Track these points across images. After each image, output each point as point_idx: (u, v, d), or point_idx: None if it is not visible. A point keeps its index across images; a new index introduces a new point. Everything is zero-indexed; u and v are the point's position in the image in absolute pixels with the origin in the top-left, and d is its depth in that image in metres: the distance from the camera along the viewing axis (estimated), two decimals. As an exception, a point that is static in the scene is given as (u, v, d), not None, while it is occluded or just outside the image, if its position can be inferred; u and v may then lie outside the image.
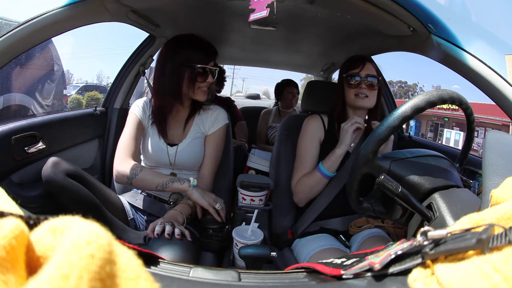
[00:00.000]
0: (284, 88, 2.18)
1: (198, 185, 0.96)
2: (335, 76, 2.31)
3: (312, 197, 1.04)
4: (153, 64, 1.50)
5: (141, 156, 1.08)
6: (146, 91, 2.84)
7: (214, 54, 1.03)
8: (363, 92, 1.01)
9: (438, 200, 0.56)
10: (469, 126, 0.70)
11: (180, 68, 0.97)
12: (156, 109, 1.03)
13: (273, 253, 0.77)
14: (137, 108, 1.05)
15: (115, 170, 1.00)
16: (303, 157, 1.08)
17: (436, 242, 0.25)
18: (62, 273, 0.14)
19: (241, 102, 2.97)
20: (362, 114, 1.06)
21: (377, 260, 0.29)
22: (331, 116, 1.11)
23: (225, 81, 2.28)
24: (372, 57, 1.14)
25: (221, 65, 2.27)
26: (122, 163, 0.98)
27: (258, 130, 2.20)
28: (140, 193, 1.07)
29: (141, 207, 1.05)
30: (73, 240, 0.15)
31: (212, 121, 1.06)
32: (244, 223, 1.04)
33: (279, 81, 2.26)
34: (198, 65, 0.97)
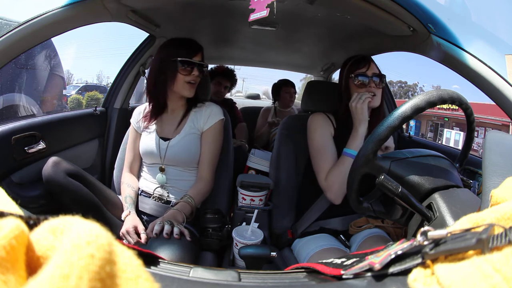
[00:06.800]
0: (281, 88, 2.20)
1: (133, 214, 0.98)
2: (335, 76, 2.30)
3: None
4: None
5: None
6: (146, 91, 2.83)
7: (197, 49, 1.04)
8: (372, 91, 1.00)
9: (438, 200, 0.56)
10: (469, 126, 0.69)
11: (165, 64, 1.01)
12: (152, 108, 1.07)
13: (273, 253, 0.77)
14: (133, 116, 1.14)
15: (115, 176, 1.13)
16: (322, 151, 1.04)
17: (436, 242, 0.25)
18: (62, 273, 0.13)
19: (241, 102, 2.97)
20: (367, 113, 1.05)
21: (377, 260, 0.29)
22: (336, 115, 1.10)
23: (236, 79, 2.25)
24: (372, 57, 1.14)
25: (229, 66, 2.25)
26: (119, 175, 1.11)
27: (257, 127, 2.21)
28: (140, 194, 1.07)
29: (140, 207, 1.05)
30: (73, 240, 0.15)
31: (207, 117, 1.07)
32: (244, 223, 1.04)
33: (276, 82, 2.27)
34: (179, 58, 0.99)
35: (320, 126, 1.07)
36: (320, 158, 1.03)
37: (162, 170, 1.05)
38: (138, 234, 0.91)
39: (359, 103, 0.98)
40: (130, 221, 0.94)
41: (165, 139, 1.05)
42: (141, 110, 1.13)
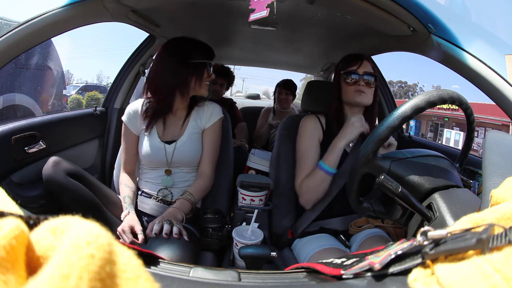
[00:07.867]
0: (277, 89, 2.20)
1: (133, 213, 0.98)
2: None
3: (319, 197, 1.01)
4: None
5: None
6: (146, 91, 2.82)
7: (213, 52, 1.08)
8: (361, 89, 1.01)
9: (438, 200, 0.56)
10: (469, 126, 0.70)
11: (187, 65, 1.00)
12: (155, 108, 1.03)
13: (273, 253, 0.77)
14: (127, 116, 1.07)
15: (114, 176, 1.16)
16: (304, 157, 1.07)
17: (436, 242, 0.25)
18: (62, 273, 0.13)
19: (241, 102, 2.97)
20: (359, 112, 1.06)
21: (377, 260, 0.29)
22: (328, 116, 1.11)
23: (233, 77, 2.25)
24: (372, 57, 1.14)
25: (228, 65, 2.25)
26: (119, 175, 1.12)
27: (257, 127, 2.21)
28: (140, 194, 1.07)
29: (140, 207, 1.05)
30: (73, 240, 0.15)
31: (209, 115, 1.08)
32: (244, 223, 1.04)
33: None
34: (208, 61, 1.03)
35: (308, 131, 1.09)
36: (301, 164, 1.07)
37: (168, 172, 1.05)
38: (134, 234, 0.91)
39: (358, 122, 0.98)
40: (127, 220, 0.94)
41: (169, 142, 1.04)
42: (136, 109, 1.06)
